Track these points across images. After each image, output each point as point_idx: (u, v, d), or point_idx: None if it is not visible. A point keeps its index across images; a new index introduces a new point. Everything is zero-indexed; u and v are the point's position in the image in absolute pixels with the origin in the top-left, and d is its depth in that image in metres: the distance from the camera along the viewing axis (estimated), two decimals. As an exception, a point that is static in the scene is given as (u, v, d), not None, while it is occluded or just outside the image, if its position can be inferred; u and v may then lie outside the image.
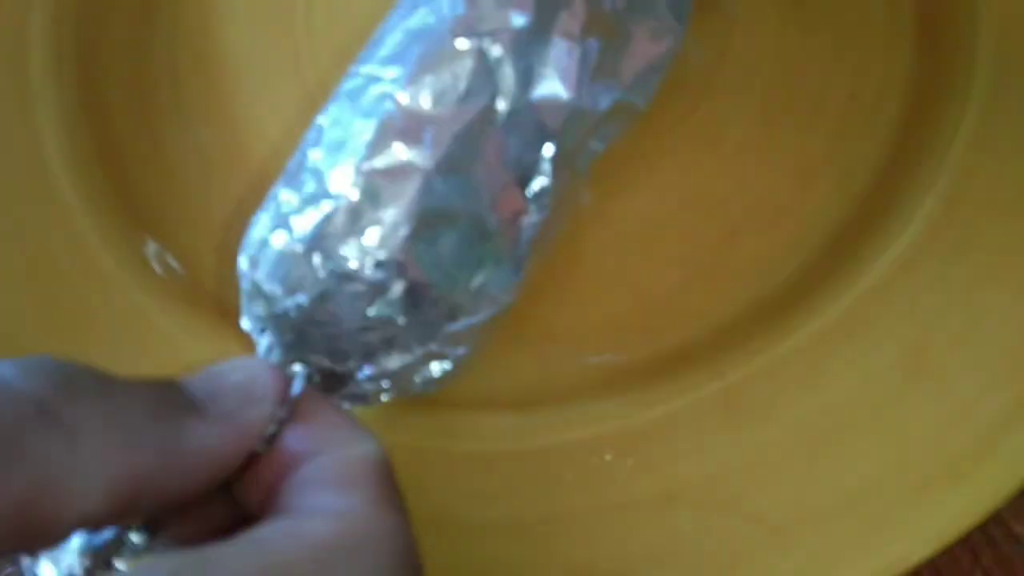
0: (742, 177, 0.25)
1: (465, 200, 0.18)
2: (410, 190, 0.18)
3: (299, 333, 0.18)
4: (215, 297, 0.24)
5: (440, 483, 0.22)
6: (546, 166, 0.19)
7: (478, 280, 0.19)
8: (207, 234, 0.25)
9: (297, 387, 0.17)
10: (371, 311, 0.18)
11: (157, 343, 0.23)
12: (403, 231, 0.18)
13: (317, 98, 0.23)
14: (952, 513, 0.20)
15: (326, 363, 0.18)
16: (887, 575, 0.20)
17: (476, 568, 0.21)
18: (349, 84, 0.20)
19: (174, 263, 0.24)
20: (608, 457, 0.22)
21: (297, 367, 0.18)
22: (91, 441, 0.13)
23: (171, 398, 0.15)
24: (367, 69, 0.19)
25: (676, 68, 0.22)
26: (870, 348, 0.22)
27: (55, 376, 0.13)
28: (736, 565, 0.20)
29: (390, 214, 0.18)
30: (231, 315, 0.20)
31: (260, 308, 0.18)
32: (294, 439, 0.16)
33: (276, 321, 0.18)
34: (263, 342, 0.19)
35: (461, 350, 0.19)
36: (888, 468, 0.21)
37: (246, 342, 0.19)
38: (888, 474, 0.21)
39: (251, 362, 0.17)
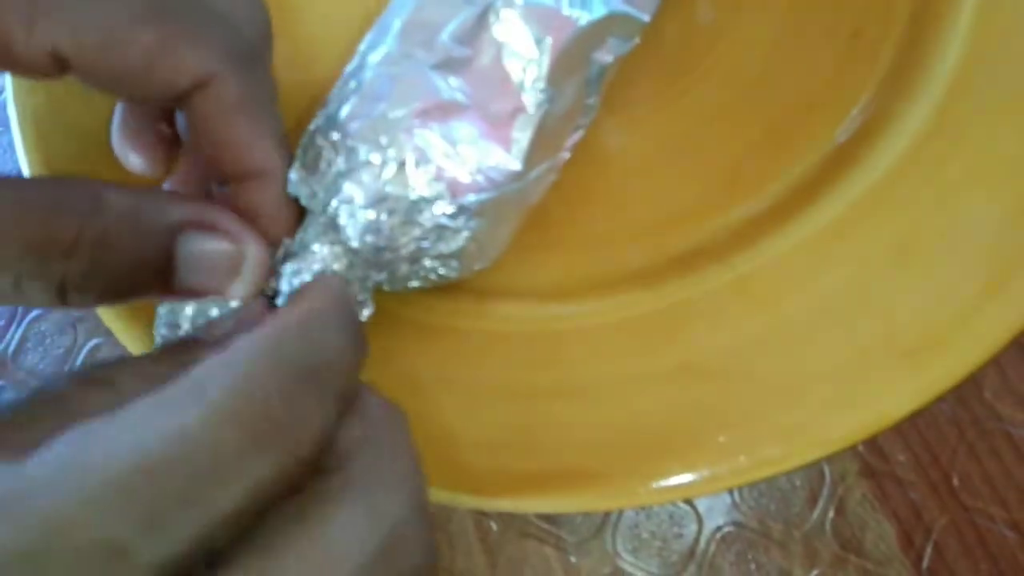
0: (754, 105, 0.28)
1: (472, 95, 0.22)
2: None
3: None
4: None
5: (472, 357, 0.26)
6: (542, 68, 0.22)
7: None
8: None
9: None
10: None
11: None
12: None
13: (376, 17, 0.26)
14: (933, 376, 0.23)
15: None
16: (877, 427, 0.23)
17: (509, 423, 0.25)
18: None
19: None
20: (632, 336, 0.25)
21: None
22: None
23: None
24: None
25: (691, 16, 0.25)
26: (864, 242, 0.25)
27: None
28: (745, 422, 0.24)
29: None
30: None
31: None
32: None
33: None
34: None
35: (475, 222, 0.23)
36: (878, 339, 0.24)
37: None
38: (877, 344, 0.24)
39: None
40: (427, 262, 0.23)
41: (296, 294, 0.20)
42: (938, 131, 0.26)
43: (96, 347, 0.34)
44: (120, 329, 0.26)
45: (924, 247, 0.25)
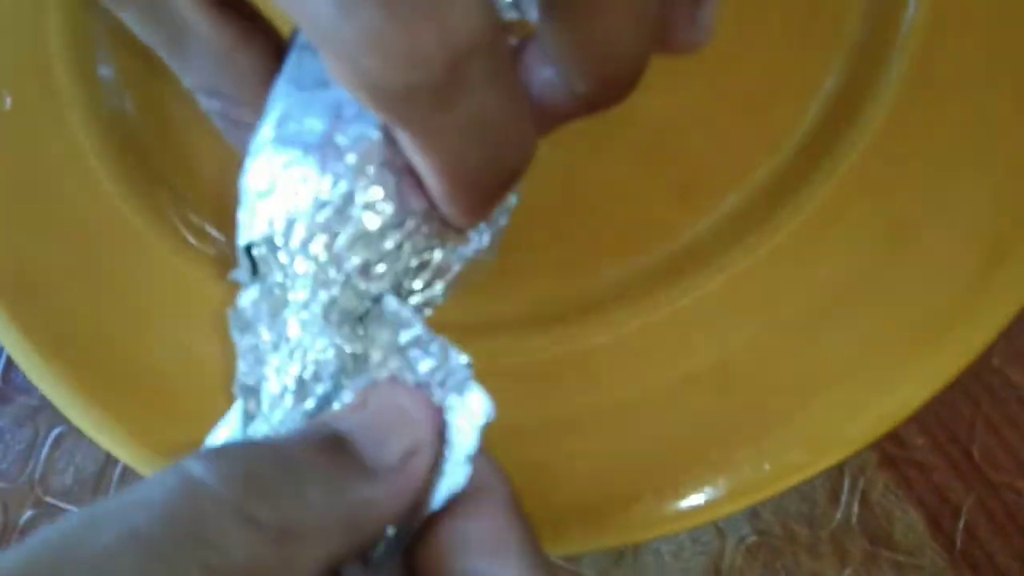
0: (722, 92, 0.27)
1: None
2: None
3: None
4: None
5: None
6: None
7: None
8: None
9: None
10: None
11: (199, 305, 0.25)
12: None
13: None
14: (944, 359, 0.22)
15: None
16: (892, 421, 0.22)
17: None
18: None
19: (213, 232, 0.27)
20: (629, 355, 0.24)
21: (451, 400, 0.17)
22: (292, 540, 0.14)
23: (343, 462, 0.15)
24: None
25: None
26: (854, 228, 0.24)
27: (244, 472, 0.14)
28: (760, 431, 0.23)
29: None
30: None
31: None
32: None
33: None
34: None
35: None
36: (881, 328, 0.23)
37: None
38: (882, 334, 0.23)
39: (406, 397, 0.17)
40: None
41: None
42: (915, 102, 0.25)
43: (61, 435, 0.32)
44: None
45: (917, 226, 0.24)
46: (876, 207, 0.24)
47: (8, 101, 0.27)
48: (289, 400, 0.19)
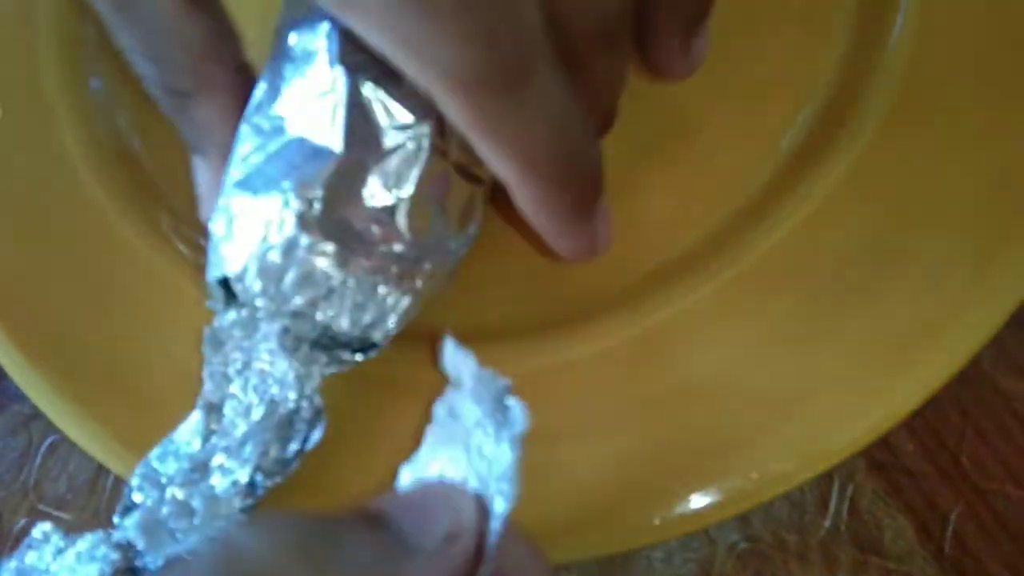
0: (710, 103, 0.27)
1: None
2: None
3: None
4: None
5: None
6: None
7: None
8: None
9: (496, 524, 0.17)
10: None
11: (191, 316, 0.25)
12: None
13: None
14: (934, 367, 0.22)
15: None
16: (880, 430, 0.22)
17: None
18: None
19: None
20: (618, 364, 0.24)
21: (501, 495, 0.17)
22: None
23: (387, 542, 0.16)
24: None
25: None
26: (844, 235, 0.24)
27: (291, 543, 0.14)
28: (749, 440, 0.23)
29: None
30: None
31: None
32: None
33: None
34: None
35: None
36: (871, 337, 0.23)
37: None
38: (871, 342, 0.23)
39: (451, 488, 0.18)
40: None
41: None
42: (904, 111, 0.25)
43: (54, 443, 0.32)
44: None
45: (904, 233, 0.24)
46: (863, 216, 0.24)
47: (-1, 111, 0.27)
48: (257, 414, 0.20)
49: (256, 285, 0.19)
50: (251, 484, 0.19)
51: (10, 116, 0.27)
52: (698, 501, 0.23)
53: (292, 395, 0.20)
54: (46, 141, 0.27)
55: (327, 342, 0.20)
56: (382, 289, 0.19)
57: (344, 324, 0.19)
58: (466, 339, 0.25)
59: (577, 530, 0.23)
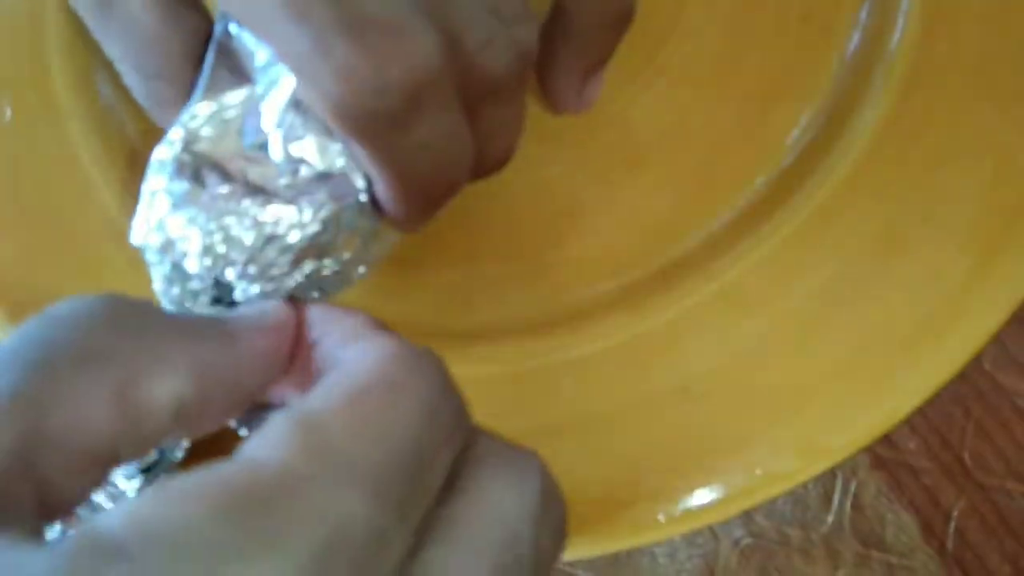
0: (713, 103, 0.27)
1: None
2: None
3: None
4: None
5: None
6: None
7: None
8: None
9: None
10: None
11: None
12: None
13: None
14: (935, 365, 0.23)
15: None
16: (883, 427, 0.23)
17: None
18: None
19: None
20: (622, 363, 0.24)
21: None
22: (163, 343, 0.15)
23: (219, 318, 0.17)
24: None
25: (639, 11, 0.24)
26: (846, 233, 0.24)
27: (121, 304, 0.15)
28: (752, 438, 0.23)
29: None
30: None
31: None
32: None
33: None
34: None
35: None
36: (874, 334, 0.23)
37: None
38: (874, 339, 0.23)
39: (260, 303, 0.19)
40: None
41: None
42: (905, 110, 0.25)
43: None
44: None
45: (906, 232, 0.24)
46: (865, 214, 0.24)
47: (8, 112, 0.27)
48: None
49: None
50: None
51: (20, 116, 0.27)
52: (702, 498, 0.23)
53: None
54: (56, 142, 0.27)
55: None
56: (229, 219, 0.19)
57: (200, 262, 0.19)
58: (467, 337, 0.26)
59: (582, 528, 0.23)
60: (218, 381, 0.16)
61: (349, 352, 0.16)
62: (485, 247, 0.27)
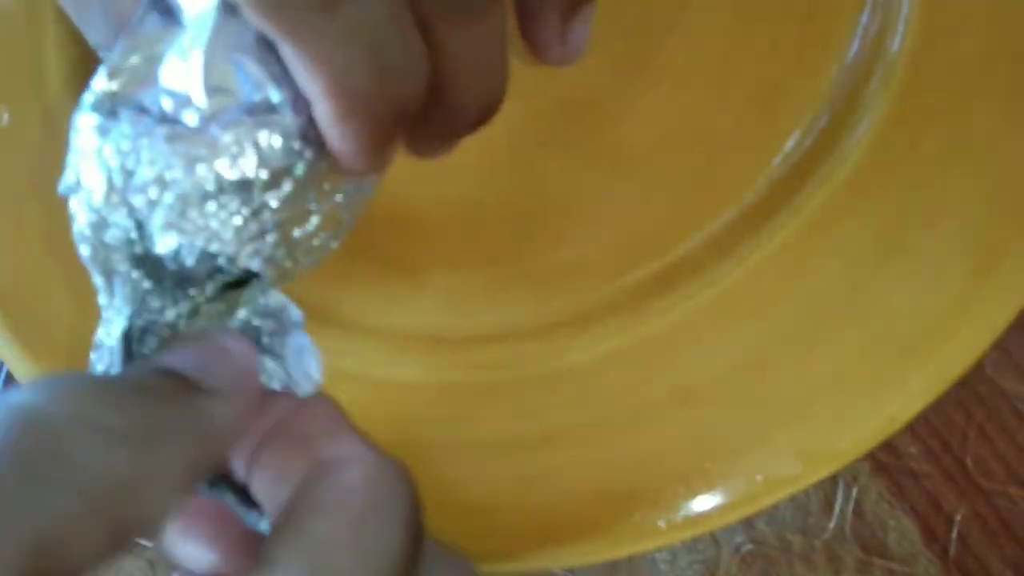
0: (713, 105, 0.27)
1: None
2: None
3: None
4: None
5: (459, 411, 0.25)
6: None
7: None
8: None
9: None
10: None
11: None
12: None
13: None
14: (937, 370, 0.23)
15: None
16: (885, 433, 0.22)
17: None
18: None
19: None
20: (622, 368, 0.24)
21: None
22: (148, 448, 0.13)
23: (183, 384, 0.15)
24: None
25: (638, 12, 0.24)
26: (846, 237, 0.24)
27: (85, 389, 0.14)
28: (753, 444, 0.23)
29: None
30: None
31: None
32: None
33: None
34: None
35: None
36: (876, 338, 0.23)
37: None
38: (876, 343, 0.23)
39: (215, 335, 0.17)
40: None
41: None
42: (906, 114, 0.25)
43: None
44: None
45: (907, 235, 0.24)
46: (866, 219, 0.24)
47: (5, 117, 0.27)
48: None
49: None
50: None
51: (17, 121, 0.27)
52: (703, 505, 0.23)
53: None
54: (52, 147, 0.27)
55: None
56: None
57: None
58: (466, 342, 0.26)
59: (582, 534, 0.23)
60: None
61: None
62: (483, 250, 0.26)
